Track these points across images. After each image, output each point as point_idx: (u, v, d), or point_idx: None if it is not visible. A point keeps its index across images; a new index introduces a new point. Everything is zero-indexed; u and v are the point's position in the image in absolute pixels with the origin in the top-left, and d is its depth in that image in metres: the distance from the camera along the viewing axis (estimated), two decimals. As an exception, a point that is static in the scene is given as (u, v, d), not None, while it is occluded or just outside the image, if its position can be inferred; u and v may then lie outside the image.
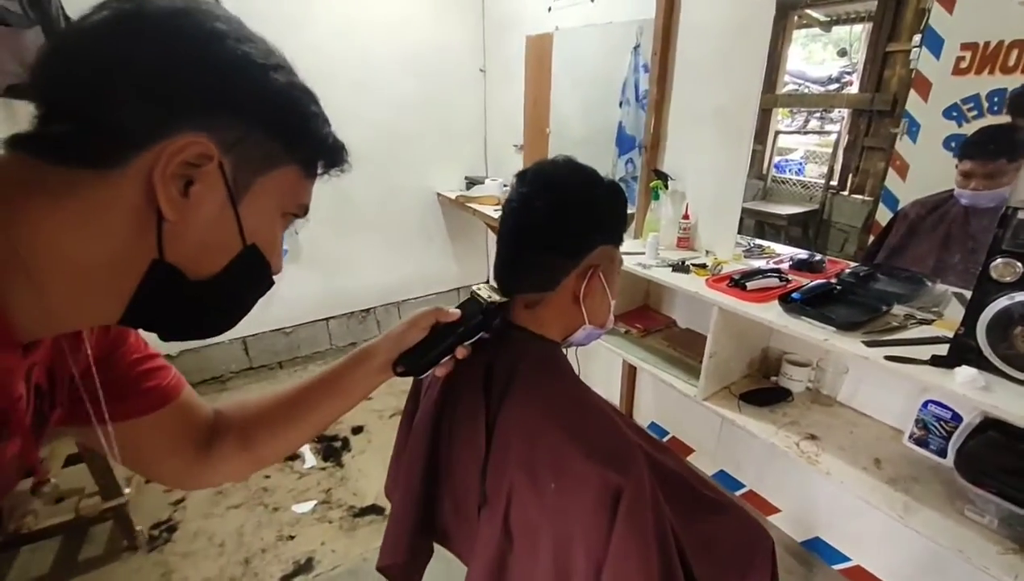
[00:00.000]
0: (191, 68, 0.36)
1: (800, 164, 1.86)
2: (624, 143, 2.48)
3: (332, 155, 0.47)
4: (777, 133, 1.87)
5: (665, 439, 2.02)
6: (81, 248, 0.36)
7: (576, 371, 0.74)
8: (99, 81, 0.35)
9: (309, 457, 2.00)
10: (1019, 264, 0.88)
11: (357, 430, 2.15)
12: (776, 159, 1.88)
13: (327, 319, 2.74)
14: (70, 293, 0.37)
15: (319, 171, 0.47)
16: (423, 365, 0.62)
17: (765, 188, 1.88)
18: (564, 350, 0.74)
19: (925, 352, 1.00)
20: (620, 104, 2.49)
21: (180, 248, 0.39)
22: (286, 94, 0.41)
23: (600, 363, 2.19)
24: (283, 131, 0.42)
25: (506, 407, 0.65)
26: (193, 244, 0.39)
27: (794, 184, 1.85)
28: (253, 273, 0.44)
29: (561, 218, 0.64)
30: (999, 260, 0.90)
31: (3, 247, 0.33)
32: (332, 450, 2.03)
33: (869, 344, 1.06)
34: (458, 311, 0.64)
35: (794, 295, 1.22)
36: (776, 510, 1.67)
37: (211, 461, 0.58)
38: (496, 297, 0.67)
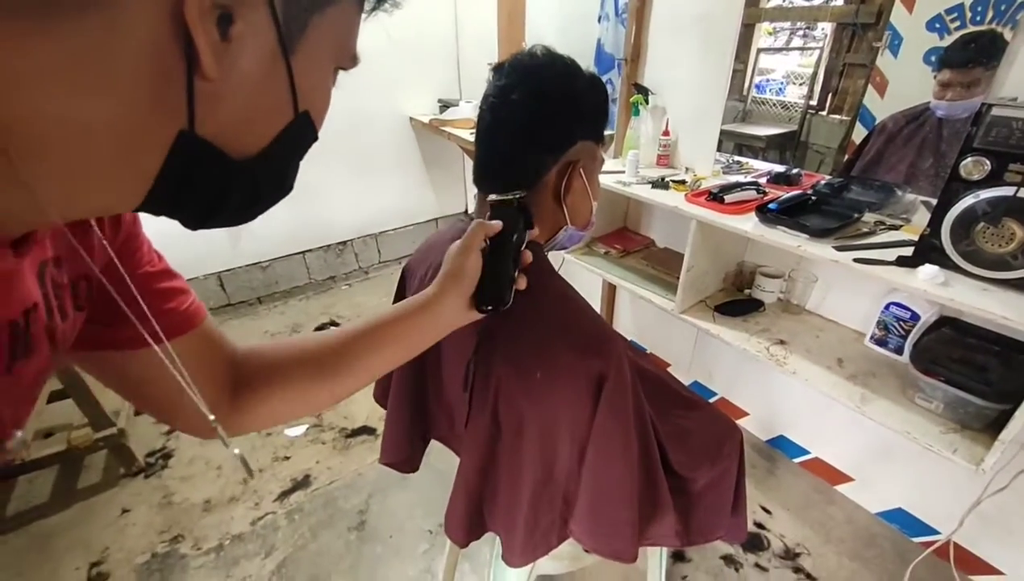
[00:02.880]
0: None
1: (781, 84, 1.82)
2: (603, 62, 2.38)
3: None
4: (759, 51, 1.81)
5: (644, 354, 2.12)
6: (84, 112, 0.25)
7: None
8: None
9: (297, 386, 2.03)
10: (988, 162, 0.90)
11: (343, 359, 2.18)
12: (757, 79, 1.83)
13: (304, 253, 2.68)
14: (67, 172, 0.27)
15: (368, 6, 0.35)
16: (508, 291, 0.55)
17: (745, 109, 1.85)
18: (546, 253, 0.75)
19: (892, 254, 1.05)
20: (599, 19, 2.36)
21: (217, 115, 0.29)
22: None
23: (580, 284, 2.21)
24: None
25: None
26: (233, 111, 0.29)
27: (774, 104, 1.82)
28: (299, 146, 0.35)
29: (540, 110, 0.62)
30: (969, 158, 0.92)
31: None
32: (320, 378, 2.07)
33: (839, 249, 1.09)
34: (499, 222, 0.58)
35: (771, 206, 1.24)
36: (745, 414, 1.79)
37: (244, 402, 0.49)
38: (515, 194, 0.62)
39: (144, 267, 0.43)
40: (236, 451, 0.44)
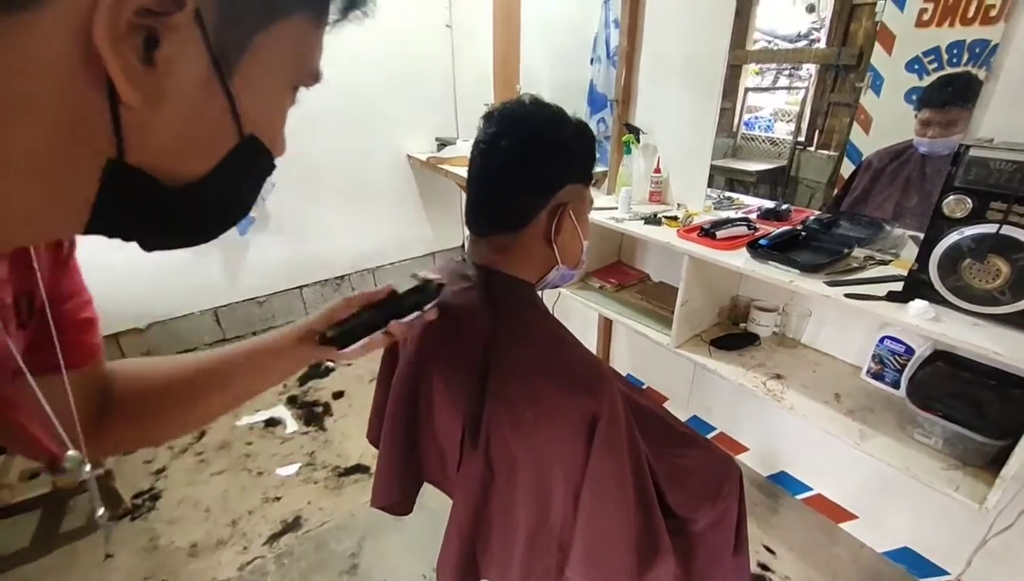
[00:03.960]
0: None
1: (769, 121, 1.88)
2: (596, 102, 2.45)
3: None
4: (747, 90, 1.88)
5: (641, 389, 2.10)
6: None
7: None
8: None
9: (290, 422, 2.00)
10: (969, 200, 0.93)
11: (338, 395, 2.16)
12: (746, 117, 1.90)
13: (301, 287, 2.69)
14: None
15: (332, 18, 0.34)
16: (346, 336, 0.57)
17: (735, 145, 1.90)
18: (540, 292, 0.76)
19: (882, 289, 1.06)
20: (591, 61, 2.45)
21: (150, 142, 0.27)
22: None
23: (577, 319, 2.23)
24: None
25: (489, 349, 0.67)
26: (168, 137, 0.27)
27: (763, 141, 1.87)
28: (251, 170, 0.33)
29: (529, 155, 0.64)
30: (951, 197, 0.95)
31: None
32: (313, 415, 2.04)
33: (830, 284, 1.10)
34: (387, 288, 0.62)
35: (762, 242, 1.26)
36: (744, 449, 1.76)
37: (106, 428, 0.47)
38: (434, 278, 0.65)
39: (75, 295, 0.42)
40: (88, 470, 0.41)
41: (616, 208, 1.64)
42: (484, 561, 0.72)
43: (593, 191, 2.10)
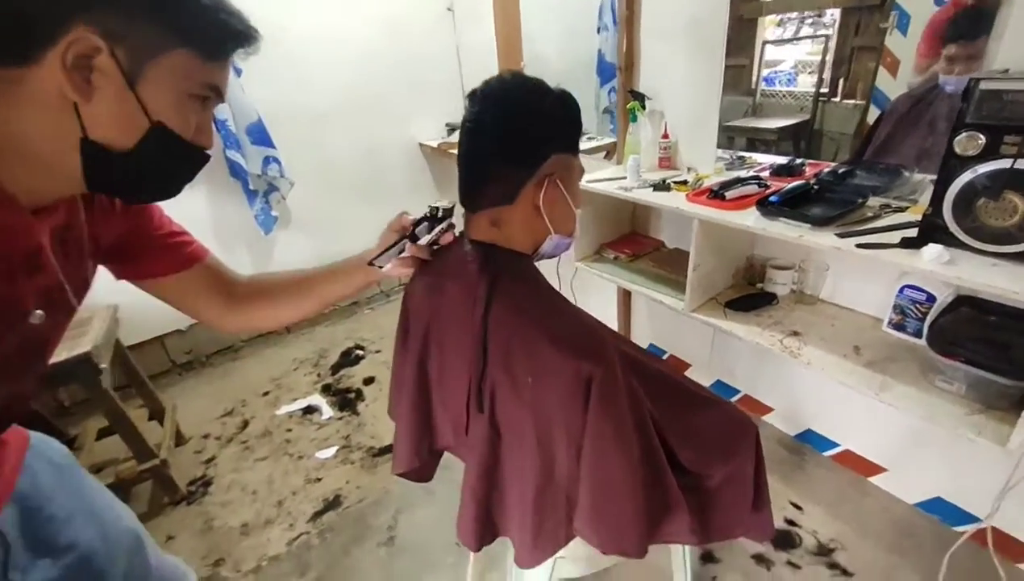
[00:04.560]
0: None
1: (791, 75, 1.82)
2: (605, 71, 2.42)
3: (228, 38, 0.52)
4: (765, 44, 1.81)
5: (664, 357, 2.10)
6: (28, 130, 0.46)
7: (559, 286, 0.79)
8: None
9: (326, 409, 2.10)
10: (981, 136, 0.89)
11: (368, 381, 2.24)
12: (765, 72, 1.83)
13: (327, 281, 2.78)
14: (33, 167, 0.48)
15: (222, 54, 0.53)
16: (386, 258, 0.77)
17: (755, 103, 1.84)
18: (536, 261, 0.78)
19: (896, 237, 1.03)
20: (598, 30, 2.41)
21: (99, 127, 0.47)
22: None
23: (595, 292, 2.24)
24: (164, 20, 0.47)
25: (487, 317, 0.70)
26: (108, 122, 0.48)
27: (784, 96, 1.81)
28: (170, 147, 0.52)
29: (511, 129, 0.66)
30: (963, 134, 0.91)
31: None
32: (347, 401, 2.13)
33: (842, 235, 1.08)
34: (405, 219, 0.80)
35: (771, 198, 1.24)
36: (769, 409, 1.76)
37: (238, 312, 0.78)
38: (443, 204, 0.76)
39: (158, 229, 0.70)
40: None
41: (624, 177, 1.63)
42: (501, 519, 0.76)
43: (602, 161, 2.08)
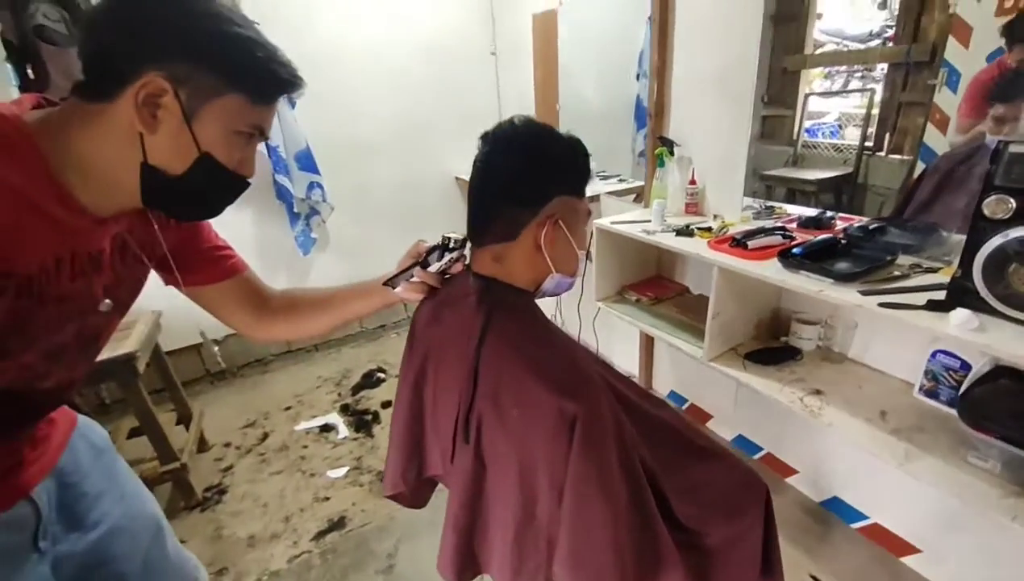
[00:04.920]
0: (157, 24, 0.53)
1: (834, 127, 1.80)
2: (642, 117, 2.45)
3: (275, 86, 0.61)
4: (807, 96, 1.81)
5: (684, 407, 2.04)
6: (102, 153, 0.56)
7: (579, 326, 0.80)
8: (100, 36, 0.54)
9: (342, 429, 2.14)
10: (1012, 200, 0.86)
11: (387, 404, 2.27)
12: (808, 124, 1.82)
13: (358, 303, 2.87)
14: (103, 183, 0.58)
15: (269, 99, 0.61)
16: (391, 280, 0.83)
17: (795, 154, 1.83)
18: (538, 298, 0.80)
19: (924, 299, 0.99)
20: (637, 77, 2.47)
21: (157, 154, 0.56)
22: (229, 42, 0.55)
23: (619, 335, 2.22)
24: (223, 69, 0.55)
25: (480, 349, 0.71)
26: (165, 151, 0.56)
27: (826, 148, 1.79)
28: (215, 175, 0.60)
29: (515, 170, 0.69)
30: (992, 197, 0.88)
31: (64, 155, 0.55)
32: (363, 422, 2.17)
33: (865, 293, 1.05)
34: (421, 247, 0.84)
35: (794, 250, 1.21)
36: (793, 471, 1.66)
37: (266, 323, 0.85)
38: (456, 236, 0.79)
39: (207, 242, 0.80)
40: None
41: (649, 221, 1.64)
42: (483, 555, 0.75)
43: (631, 204, 2.09)
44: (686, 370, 2.00)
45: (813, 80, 1.80)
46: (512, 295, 0.75)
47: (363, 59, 2.47)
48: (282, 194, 2.33)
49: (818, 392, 1.25)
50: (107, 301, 0.65)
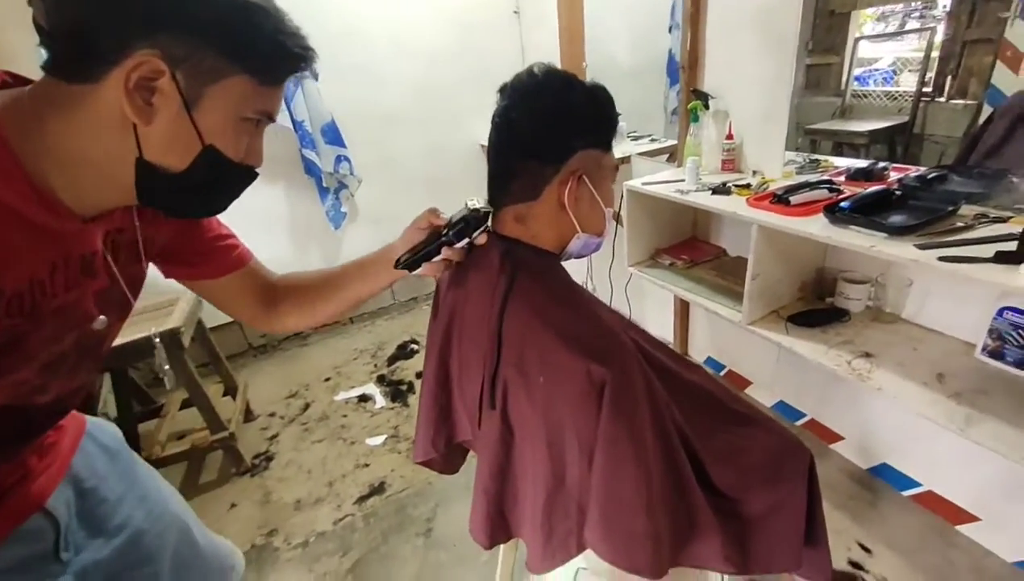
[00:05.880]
0: None
1: (888, 73, 1.65)
2: (675, 72, 2.32)
3: (283, 64, 0.52)
4: (857, 40, 1.66)
5: (722, 373, 1.98)
6: (87, 146, 0.47)
7: (611, 291, 0.77)
8: (77, 7, 0.43)
9: (379, 398, 2.19)
10: (1103, 134, 0.76)
11: (420, 375, 2.30)
12: (857, 71, 1.68)
13: (390, 275, 2.90)
14: (89, 180, 0.50)
15: (278, 79, 0.53)
16: (412, 263, 0.72)
17: (843, 105, 1.70)
18: (564, 261, 0.76)
19: (991, 251, 0.90)
20: (670, 29, 2.32)
21: (154, 149, 0.48)
22: (232, 13, 0.47)
23: (652, 300, 2.16)
24: (227, 46, 0.47)
25: (503, 314, 0.69)
26: (163, 145, 0.48)
27: (879, 96, 1.65)
28: (219, 168, 0.52)
29: (536, 124, 0.65)
30: (1078, 133, 0.78)
31: (40, 148, 0.46)
32: (399, 392, 2.21)
33: (923, 247, 0.97)
34: (446, 217, 0.72)
35: (842, 205, 1.13)
36: (839, 438, 1.60)
37: (274, 314, 0.79)
38: (481, 205, 0.70)
39: (209, 232, 0.71)
40: None
41: (683, 180, 1.56)
42: (514, 519, 0.75)
43: (664, 164, 2.00)
44: (724, 335, 1.94)
45: (864, 23, 1.65)
46: (536, 257, 0.72)
47: (383, 25, 2.41)
48: (310, 169, 2.34)
49: (867, 355, 1.18)
50: (102, 317, 0.58)
